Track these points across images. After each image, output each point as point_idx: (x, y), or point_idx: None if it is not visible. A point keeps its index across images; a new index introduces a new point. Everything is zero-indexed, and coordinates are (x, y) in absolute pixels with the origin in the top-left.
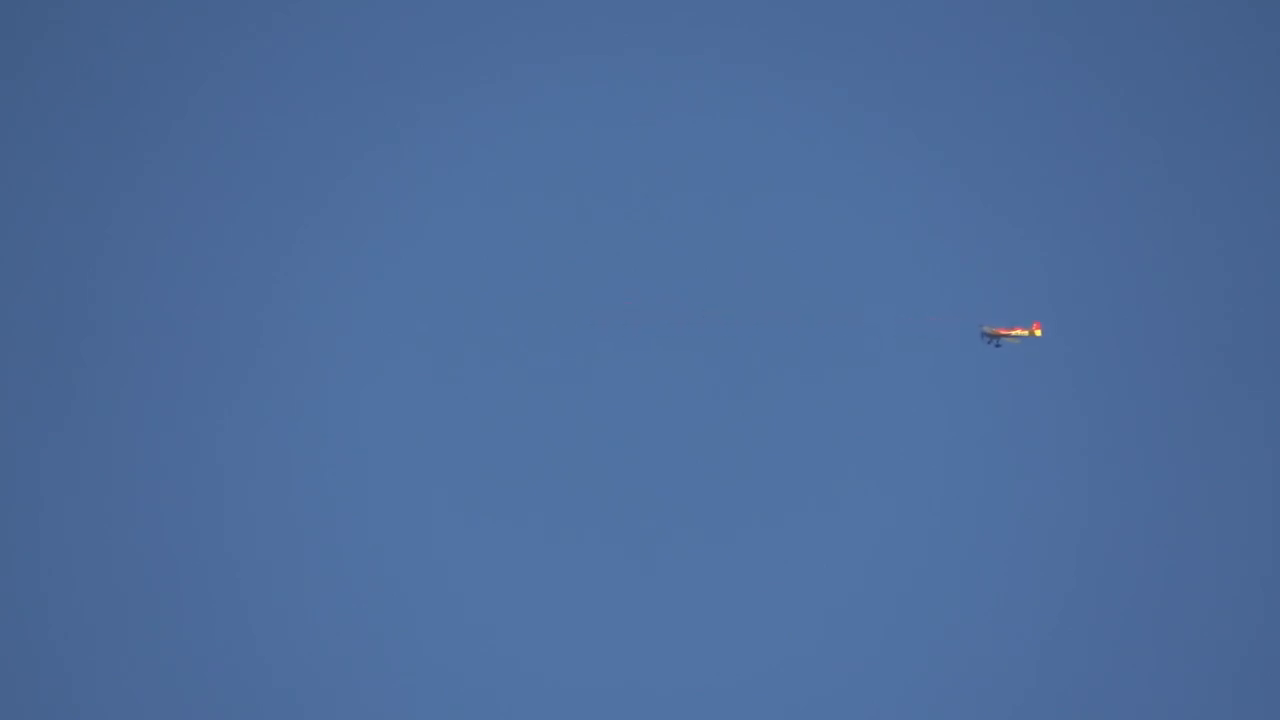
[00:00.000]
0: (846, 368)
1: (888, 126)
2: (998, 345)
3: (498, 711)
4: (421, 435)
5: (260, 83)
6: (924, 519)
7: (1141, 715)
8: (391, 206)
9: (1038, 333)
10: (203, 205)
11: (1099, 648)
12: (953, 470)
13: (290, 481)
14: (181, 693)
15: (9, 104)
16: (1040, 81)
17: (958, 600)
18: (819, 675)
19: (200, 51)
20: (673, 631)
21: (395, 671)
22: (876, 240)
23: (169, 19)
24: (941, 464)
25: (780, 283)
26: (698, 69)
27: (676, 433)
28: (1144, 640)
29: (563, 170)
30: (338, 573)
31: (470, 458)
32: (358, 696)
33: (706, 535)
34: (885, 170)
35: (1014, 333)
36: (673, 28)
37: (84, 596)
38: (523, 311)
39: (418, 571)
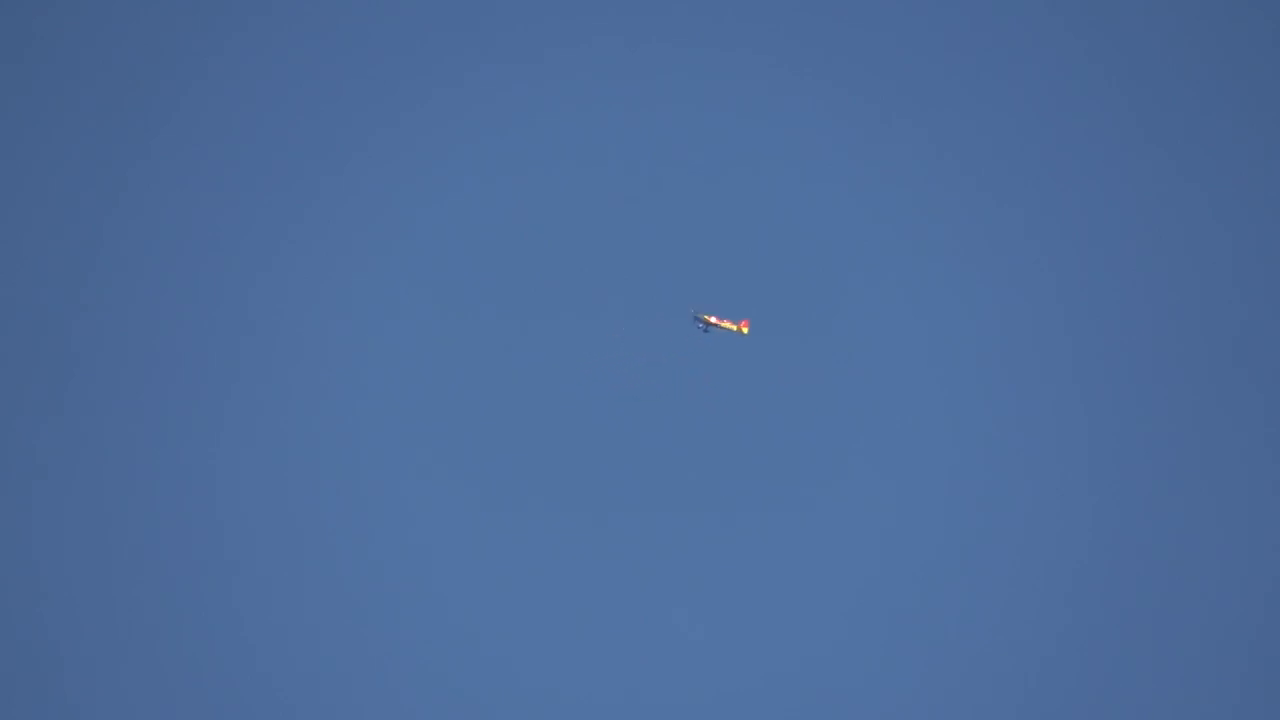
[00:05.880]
0: (849, 364)
1: (891, 121)
2: (706, 331)
3: (499, 712)
4: (419, 433)
5: (255, 81)
6: (926, 517)
7: (1142, 712)
8: (388, 203)
9: (744, 330)
10: (197, 205)
11: (1101, 645)
12: (955, 468)
13: (284, 479)
14: (175, 691)
15: (8, 104)
16: (1042, 80)
17: (960, 599)
18: (819, 674)
19: (194, 49)
20: (673, 629)
21: (389, 669)
22: (878, 238)
23: (161, 16)
24: (944, 462)
25: (781, 279)
26: (697, 64)
27: (676, 431)
28: (1145, 636)
29: (561, 165)
30: (335, 570)
31: (468, 455)
32: (354, 695)
33: (707, 534)
34: (889, 165)
35: (724, 324)
36: (672, 22)
37: (78, 595)
38: (522, 308)
39: (415, 570)
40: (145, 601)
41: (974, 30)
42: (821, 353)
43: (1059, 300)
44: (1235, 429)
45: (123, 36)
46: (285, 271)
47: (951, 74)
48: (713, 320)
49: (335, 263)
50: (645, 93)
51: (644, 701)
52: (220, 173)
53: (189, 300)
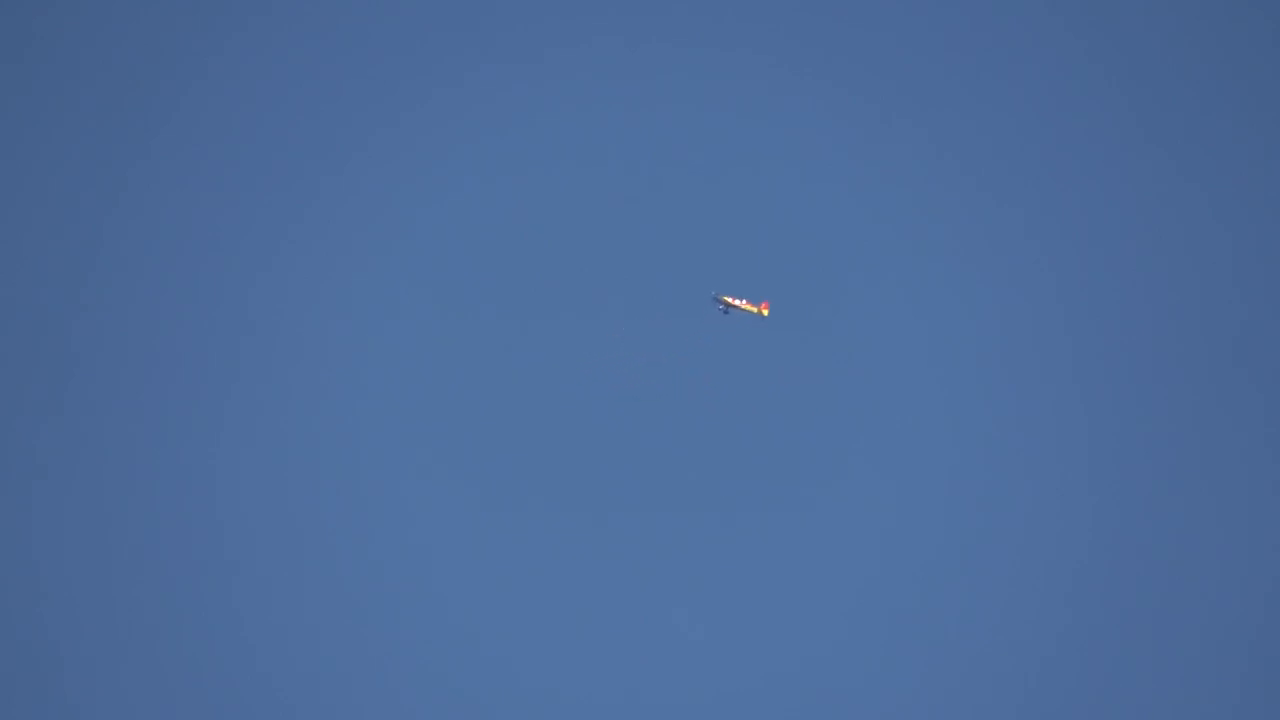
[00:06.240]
0: (849, 364)
1: (891, 121)
2: (726, 312)
3: (499, 712)
4: (419, 433)
5: (255, 81)
6: (926, 517)
7: (1142, 712)
8: (388, 203)
9: (765, 312)
10: (197, 205)
11: (1101, 645)
12: (955, 468)
13: (284, 479)
14: (175, 691)
15: (8, 104)
16: (1042, 80)
17: (960, 599)
18: (819, 674)
19: (194, 49)
20: (673, 629)
21: (389, 669)
22: (878, 238)
23: (161, 16)
24: (944, 462)
25: (781, 279)
26: (697, 64)
27: (676, 431)
28: (1145, 636)
29: (561, 165)
30: (335, 570)
31: (468, 455)
32: (354, 695)
33: (707, 534)
34: (890, 165)
35: (744, 306)
36: (672, 22)
37: (78, 595)
38: (522, 309)
39: (415, 570)
40: (145, 601)
41: (974, 30)
42: (821, 353)
43: (1059, 300)
44: (1235, 429)
45: (123, 36)
46: (285, 271)
47: (951, 74)
48: (733, 302)
49: (335, 263)
50: (645, 93)
51: (644, 701)
52: (220, 173)
53: (189, 300)
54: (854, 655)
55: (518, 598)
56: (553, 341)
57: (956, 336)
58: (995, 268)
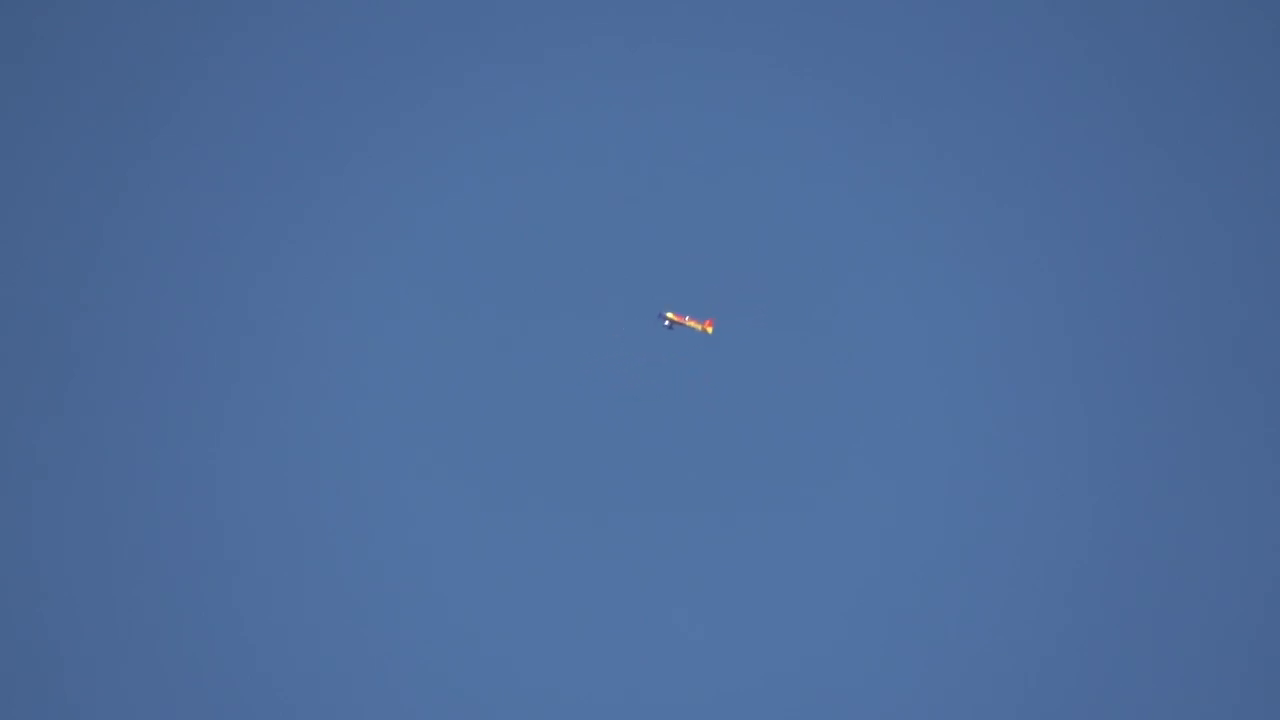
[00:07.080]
0: (849, 364)
1: (891, 121)
2: (671, 328)
3: (499, 712)
4: (419, 433)
5: (255, 81)
6: (926, 517)
7: (1142, 712)
8: (388, 203)
9: (709, 330)
10: (197, 205)
11: (1101, 645)
12: (955, 468)
13: (284, 479)
14: (175, 691)
15: (8, 104)
16: (1042, 80)
17: (960, 599)
18: (819, 674)
19: (194, 49)
20: (673, 629)
21: (389, 669)
22: (878, 238)
23: (161, 16)
24: (944, 462)
25: (781, 279)
26: (697, 64)
27: (676, 431)
28: (1145, 636)
29: (561, 165)
30: (335, 570)
31: (468, 455)
32: (354, 695)
33: (707, 534)
34: (890, 165)
35: (688, 323)
36: (672, 22)
37: (78, 595)
38: (522, 308)
39: (415, 570)
40: (145, 601)
41: (974, 30)
42: (821, 352)
43: (1059, 300)
44: (1235, 429)
45: (123, 36)
46: (285, 271)
47: (951, 74)
48: (677, 319)
49: (335, 263)
50: (645, 93)
51: (644, 701)
52: (220, 173)
53: (189, 300)
54: (854, 655)
55: (518, 598)
56: (552, 341)
57: (956, 336)
58: (995, 268)
